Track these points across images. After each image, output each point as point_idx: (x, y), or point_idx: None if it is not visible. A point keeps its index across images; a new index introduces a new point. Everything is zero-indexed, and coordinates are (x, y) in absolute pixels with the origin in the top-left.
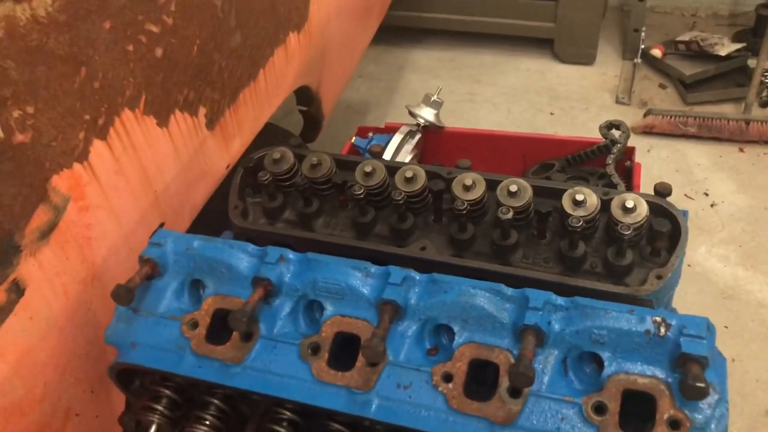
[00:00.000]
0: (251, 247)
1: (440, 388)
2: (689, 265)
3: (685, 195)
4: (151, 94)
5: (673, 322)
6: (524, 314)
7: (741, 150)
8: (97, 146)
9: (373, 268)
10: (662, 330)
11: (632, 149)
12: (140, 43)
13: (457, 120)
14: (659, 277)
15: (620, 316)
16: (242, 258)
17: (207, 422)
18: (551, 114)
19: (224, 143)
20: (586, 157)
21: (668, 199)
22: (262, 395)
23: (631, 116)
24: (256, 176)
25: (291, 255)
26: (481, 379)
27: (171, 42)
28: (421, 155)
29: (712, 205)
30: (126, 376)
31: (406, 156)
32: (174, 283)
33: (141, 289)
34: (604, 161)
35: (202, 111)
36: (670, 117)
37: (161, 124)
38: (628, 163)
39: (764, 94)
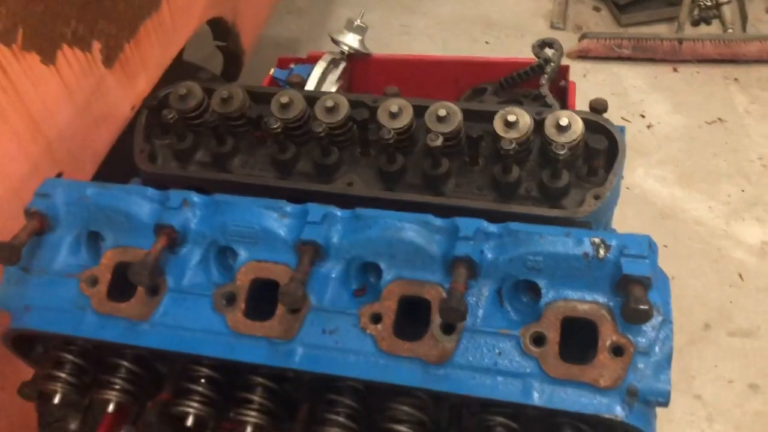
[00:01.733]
0: (151, 191)
1: (368, 331)
2: (628, 188)
3: (622, 118)
4: (29, 27)
5: (613, 243)
6: (455, 245)
7: (675, 70)
8: None
9: (289, 207)
10: (601, 252)
11: (566, 68)
12: None
13: None
14: (597, 197)
15: (556, 240)
16: (142, 204)
17: (117, 386)
18: (486, 43)
19: (127, 82)
20: (520, 78)
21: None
22: (175, 353)
23: (566, 41)
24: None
25: (196, 198)
26: (414, 319)
27: None
28: (348, 87)
29: (648, 127)
30: (25, 342)
31: (330, 87)
32: (68, 237)
33: (31, 245)
34: (538, 82)
35: (96, 46)
36: (605, 40)
37: (47, 61)
38: (562, 82)
39: (695, 12)
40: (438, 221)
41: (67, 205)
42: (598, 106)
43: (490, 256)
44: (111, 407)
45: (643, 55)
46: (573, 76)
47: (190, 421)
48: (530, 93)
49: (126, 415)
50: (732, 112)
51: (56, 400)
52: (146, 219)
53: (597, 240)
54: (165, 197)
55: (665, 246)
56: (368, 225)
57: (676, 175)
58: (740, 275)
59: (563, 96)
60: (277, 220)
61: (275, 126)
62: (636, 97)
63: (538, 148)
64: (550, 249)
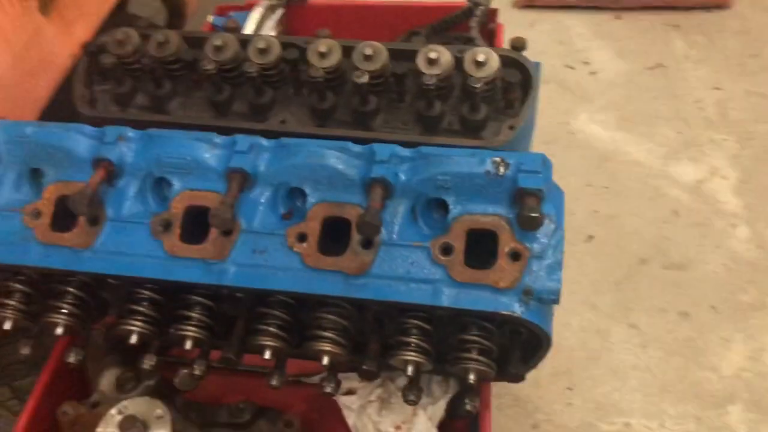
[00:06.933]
0: (88, 128)
1: (295, 249)
2: (572, 133)
3: (567, 65)
4: None
5: (511, 161)
6: (372, 169)
7: (618, 18)
8: None
9: (218, 138)
10: (501, 169)
11: (495, 11)
12: None
13: None
14: (512, 128)
15: (461, 160)
16: (79, 140)
17: (64, 311)
18: None
19: (65, 29)
20: (451, 22)
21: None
22: (117, 278)
23: None
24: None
25: (131, 133)
26: (337, 238)
27: None
28: (286, 34)
29: (592, 74)
30: None
31: (268, 34)
32: (10, 174)
33: None
34: (468, 26)
35: None
36: None
37: None
38: (491, 25)
39: None
40: (357, 148)
41: (8, 144)
42: (518, 44)
43: (403, 177)
44: (59, 330)
45: (587, 2)
46: (520, 26)
47: (134, 339)
48: (461, 36)
49: (75, 340)
50: (672, 57)
51: (7, 326)
52: (85, 154)
53: (498, 159)
54: (101, 133)
55: (606, 187)
56: (293, 153)
57: (617, 119)
58: (675, 212)
59: (492, 38)
60: (208, 150)
61: (210, 67)
62: (581, 45)
63: (460, 85)
64: (457, 169)
